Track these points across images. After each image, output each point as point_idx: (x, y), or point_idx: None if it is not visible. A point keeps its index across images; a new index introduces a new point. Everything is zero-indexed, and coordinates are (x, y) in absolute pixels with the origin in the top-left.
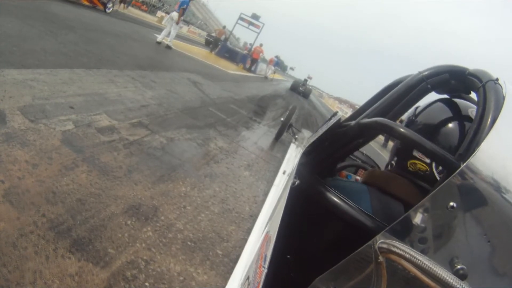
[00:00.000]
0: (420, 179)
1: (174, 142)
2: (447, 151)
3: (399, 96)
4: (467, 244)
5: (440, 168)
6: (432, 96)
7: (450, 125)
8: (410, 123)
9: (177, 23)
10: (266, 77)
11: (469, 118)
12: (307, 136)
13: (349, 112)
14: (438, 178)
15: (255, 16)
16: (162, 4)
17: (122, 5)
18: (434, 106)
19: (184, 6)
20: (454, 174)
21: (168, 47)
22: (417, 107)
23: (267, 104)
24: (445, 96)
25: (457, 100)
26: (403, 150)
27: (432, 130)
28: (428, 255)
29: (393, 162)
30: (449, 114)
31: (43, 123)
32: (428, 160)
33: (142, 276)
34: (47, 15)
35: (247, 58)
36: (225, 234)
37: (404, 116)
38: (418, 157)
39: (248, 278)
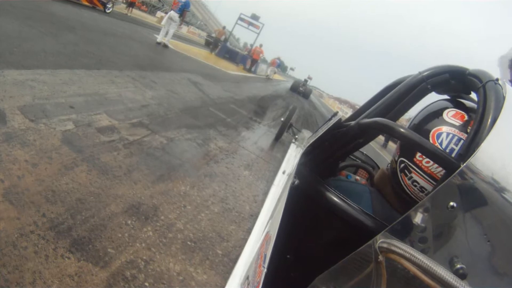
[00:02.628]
0: None
1: (174, 142)
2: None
3: (399, 96)
4: (467, 244)
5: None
6: (432, 96)
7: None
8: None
9: (180, 25)
10: (268, 77)
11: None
12: (307, 136)
13: (349, 112)
14: None
15: (255, 17)
16: (162, 5)
17: (130, 8)
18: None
19: (188, 9)
20: (454, 174)
21: (165, 45)
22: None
23: (267, 105)
24: (445, 96)
25: (455, 100)
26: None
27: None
28: (428, 254)
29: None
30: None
31: (43, 122)
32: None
33: (142, 276)
34: (47, 16)
35: (247, 59)
36: (225, 234)
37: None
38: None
39: (247, 277)
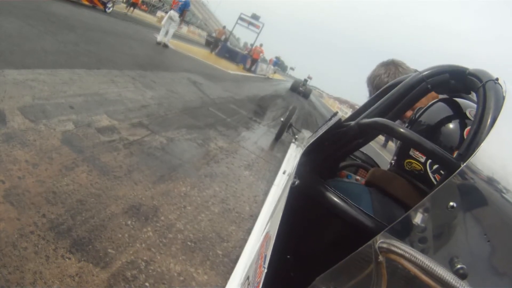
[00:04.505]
0: (415, 178)
1: (174, 142)
2: (447, 151)
3: (399, 96)
4: (467, 244)
5: (434, 168)
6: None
7: (451, 125)
8: (411, 124)
9: (180, 24)
10: (267, 76)
11: (467, 117)
12: (307, 136)
13: (349, 112)
14: (432, 178)
15: (255, 16)
16: (162, 4)
17: (131, 8)
18: (434, 107)
19: (188, 8)
20: (454, 174)
21: (165, 45)
22: (419, 108)
23: (267, 105)
24: (445, 96)
25: (458, 100)
26: (402, 150)
27: (433, 130)
28: (428, 254)
29: (392, 162)
30: (449, 114)
31: (43, 123)
32: (422, 160)
33: (142, 276)
34: (47, 15)
35: (247, 58)
36: (225, 234)
37: None
38: (414, 156)
39: (248, 278)
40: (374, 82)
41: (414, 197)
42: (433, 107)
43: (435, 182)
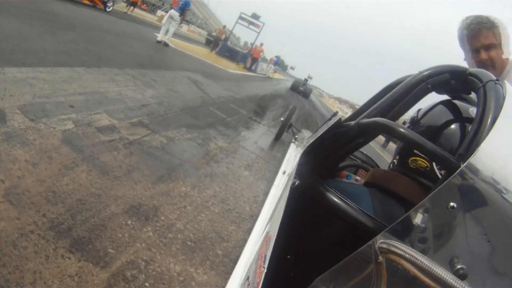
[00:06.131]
0: (421, 175)
1: (174, 141)
2: (449, 152)
3: (399, 96)
4: (467, 244)
5: None
6: (432, 96)
7: (452, 126)
8: (412, 125)
9: (180, 23)
10: (268, 76)
11: (470, 120)
12: (307, 136)
13: (349, 112)
14: (439, 175)
15: (255, 16)
16: (162, 4)
17: (131, 8)
18: (436, 108)
19: (189, 8)
20: (454, 175)
21: (165, 44)
22: (419, 109)
23: (267, 104)
24: (447, 97)
25: (459, 102)
26: (405, 149)
27: (434, 132)
28: (428, 255)
29: (395, 161)
30: (450, 116)
31: (43, 122)
32: None
33: (142, 276)
34: (47, 14)
35: (248, 58)
36: (225, 234)
37: (406, 117)
38: (419, 154)
39: (248, 278)
40: (459, 35)
41: (419, 195)
42: (435, 108)
43: None
